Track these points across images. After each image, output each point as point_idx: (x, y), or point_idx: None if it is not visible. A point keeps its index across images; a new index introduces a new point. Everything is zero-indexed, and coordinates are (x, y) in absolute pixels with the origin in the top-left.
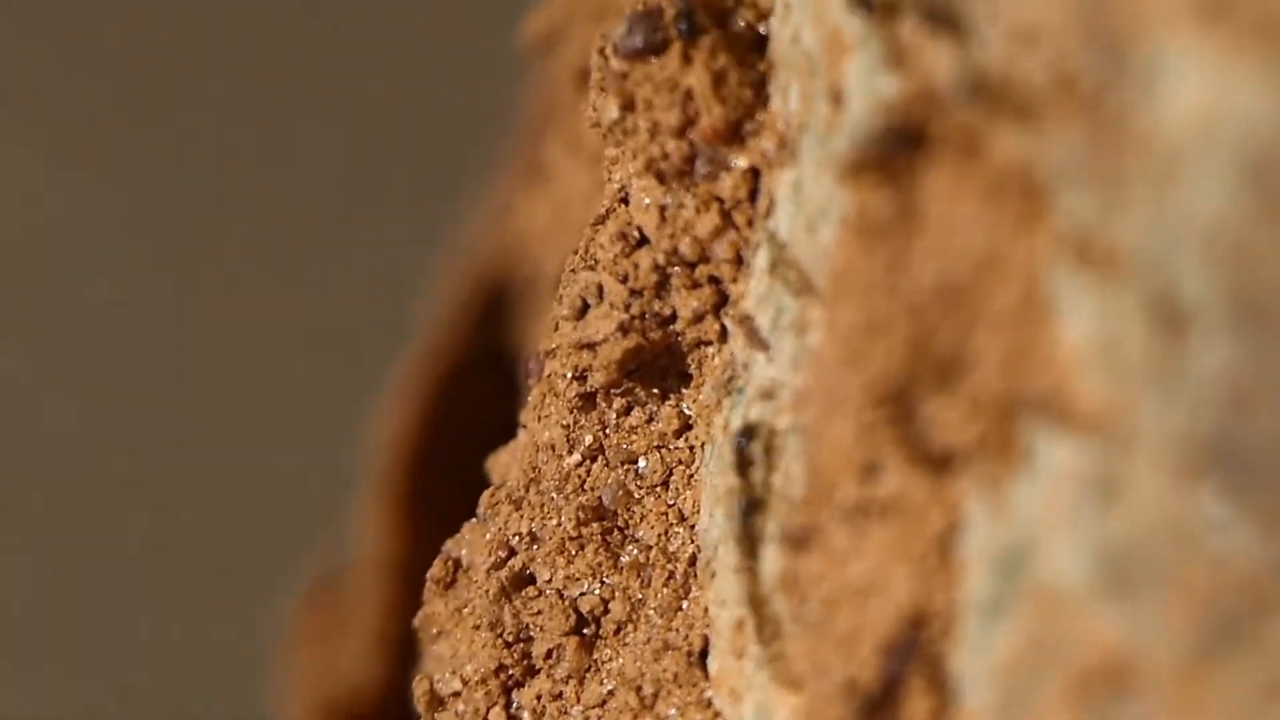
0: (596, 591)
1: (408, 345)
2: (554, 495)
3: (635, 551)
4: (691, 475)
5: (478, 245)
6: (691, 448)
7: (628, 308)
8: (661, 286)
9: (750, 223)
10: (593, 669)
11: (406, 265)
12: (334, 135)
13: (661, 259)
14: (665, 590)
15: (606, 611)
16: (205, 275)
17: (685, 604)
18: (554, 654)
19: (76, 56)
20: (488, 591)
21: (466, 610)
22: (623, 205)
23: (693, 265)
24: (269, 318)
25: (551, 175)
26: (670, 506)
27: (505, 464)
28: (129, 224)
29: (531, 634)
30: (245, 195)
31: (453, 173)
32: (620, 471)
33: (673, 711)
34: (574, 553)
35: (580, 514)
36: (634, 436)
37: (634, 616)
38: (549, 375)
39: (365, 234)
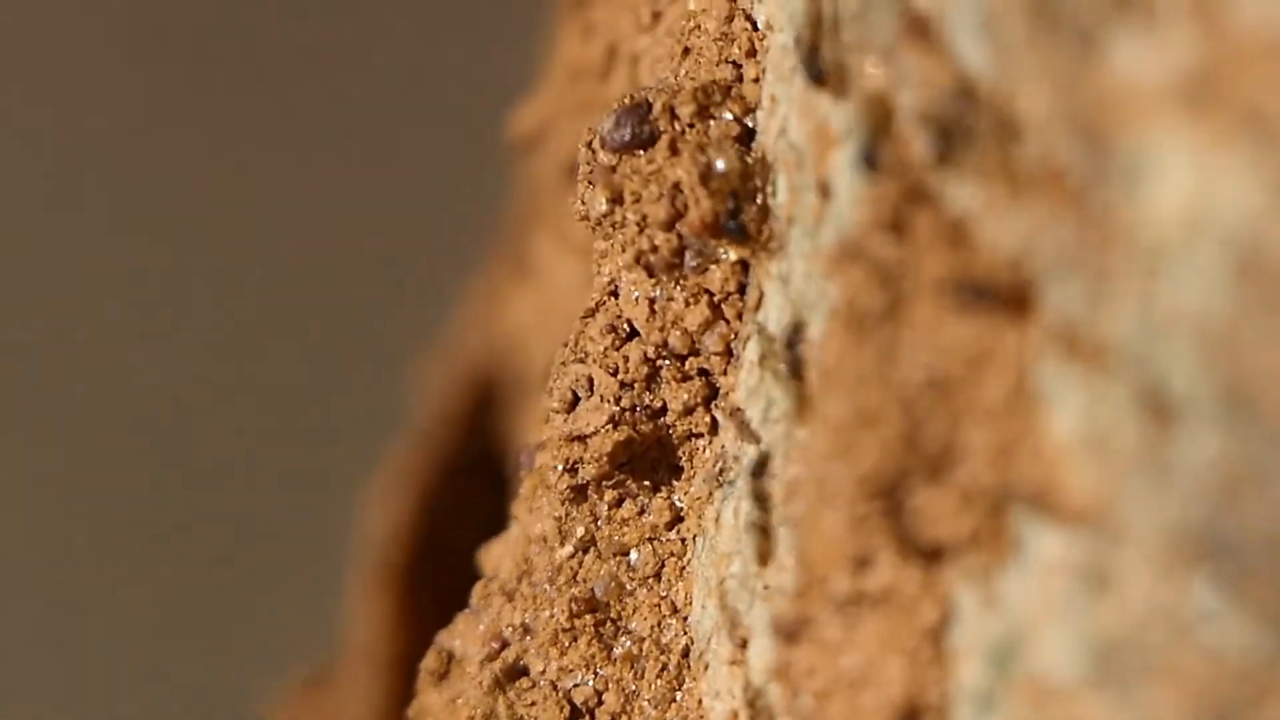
0: (590, 683)
1: (400, 438)
2: (546, 587)
3: (628, 643)
4: (683, 567)
5: (468, 339)
6: (683, 540)
7: (618, 400)
8: (652, 379)
9: (739, 315)
10: None
11: (397, 358)
12: (324, 230)
13: (651, 352)
14: (659, 682)
15: (600, 703)
16: (200, 368)
17: (679, 695)
18: None
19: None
20: (481, 683)
21: (460, 701)
22: (612, 298)
23: (683, 358)
24: (262, 410)
25: (540, 269)
26: (663, 598)
27: (497, 556)
28: (121, 335)
29: None
30: (239, 289)
31: (441, 266)
32: (612, 564)
33: None
34: (567, 644)
35: (573, 606)
36: (626, 529)
37: (628, 708)
38: (540, 468)
39: (356, 327)
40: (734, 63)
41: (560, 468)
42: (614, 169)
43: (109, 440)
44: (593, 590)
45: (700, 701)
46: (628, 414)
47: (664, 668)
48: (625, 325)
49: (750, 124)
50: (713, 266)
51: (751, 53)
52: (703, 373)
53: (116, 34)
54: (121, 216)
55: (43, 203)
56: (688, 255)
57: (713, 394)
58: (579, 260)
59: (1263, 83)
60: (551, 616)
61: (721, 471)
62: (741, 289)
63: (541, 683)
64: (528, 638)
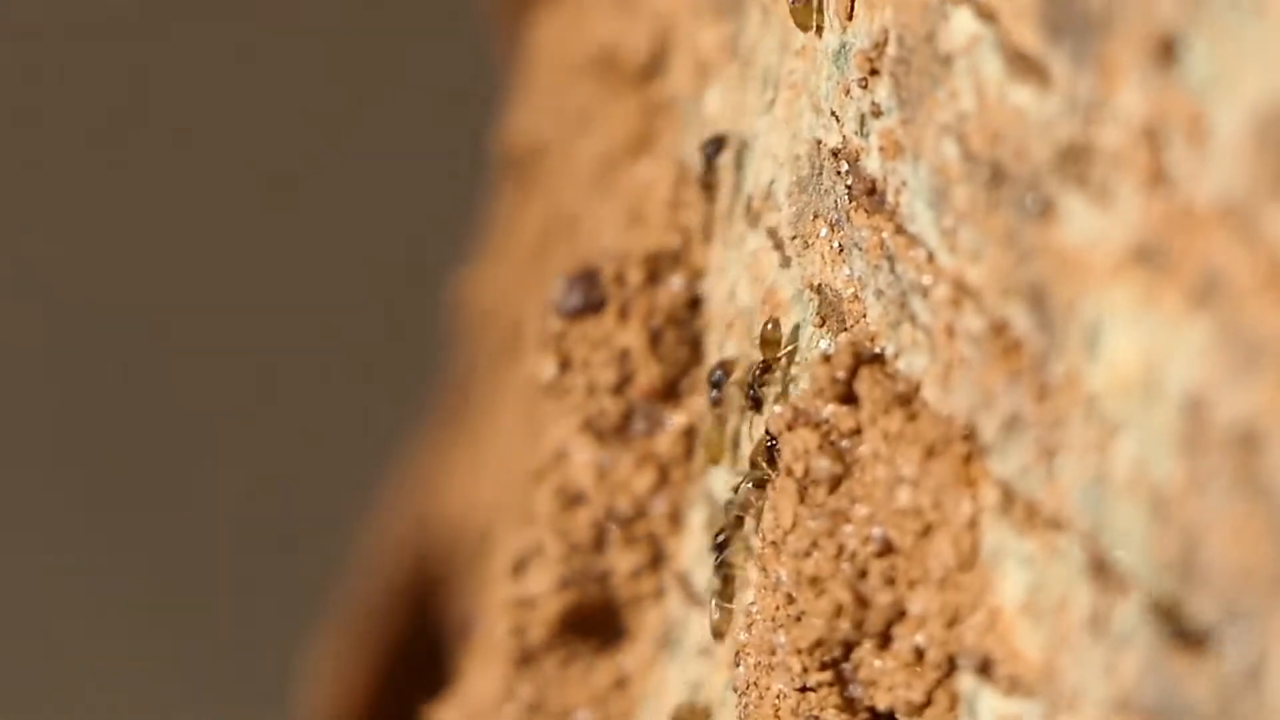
0: None
1: (342, 600)
2: None
3: None
4: None
5: (411, 500)
6: (631, 701)
7: (566, 564)
8: (599, 542)
9: (687, 479)
10: None
11: (339, 519)
12: (264, 395)
13: (600, 515)
14: None
15: None
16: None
17: None
18: None
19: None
20: None
21: None
22: (561, 462)
23: (630, 522)
24: (208, 566)
25: (482, 432)
26: None
27: (445, 718)
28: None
29: None
30: (180, 475)
31: (384, 429)
32: None
33: None
34: None
35: None
36: (573, 691)
37: None
38: (487, 629)
39: (297, 486)
40: (683, 229)
41: (508, 630)
42: (563, 334)
43: None
44: None
45: None
46: (575, 577)
47: None
48: (573, 489)
49: (699, 290)
50: (660, 431)
51: (700, 219)
52: (650, 536)
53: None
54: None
55: None
56: (636, 419)
57: (660, 557)
58: (527, 423)
59: (1217, 249)
60: None
61: (667, 634)
62: (689, 453)
63: None
64: None
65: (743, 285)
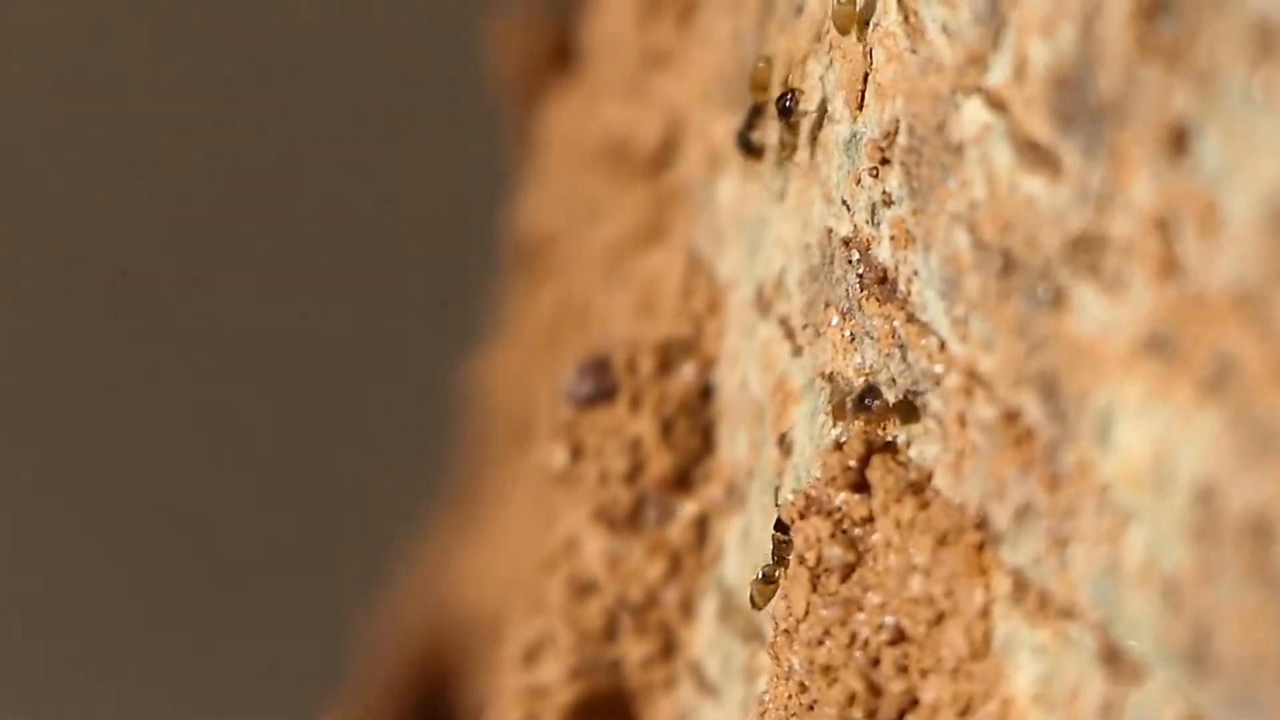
0: None
1: (349, 690)
2: None
3: None
4: None
5: (420, 589)
6: None
7: (577, 652)
8: (611, 632)
9: (699, 568)
10: None
11: (345, 608)
12: (271, 480)
13: (611, 604)
14: None
15: None
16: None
17: None
18: None
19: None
20: None
21: None
22: (572, 551)
23: (642, 611)
24: (201, 667)
25: (497, 521)
26: None
27: None
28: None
29: None
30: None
31: (393, 518)
32: None
33: None
34: None
35: None
36: None
37: None
38: (499, 719)
39: (305, 576)
40: (695, 317)
41: (519, 719)
42: (574, 423)
43: None
44: None
45: None
46: (587, 666)
47: None
48: (585, 577)
49: (711, 379)
50: (672, 520)
51: (712, 307)
52: (662, 625)
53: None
54: None
55: None
56: (647, 509)
57: (671, 647)
58: (538, 512)
59: (1229, 338)
60: None
61: None
62: (701, 542)
63: None
64: None
65: (754, 374)
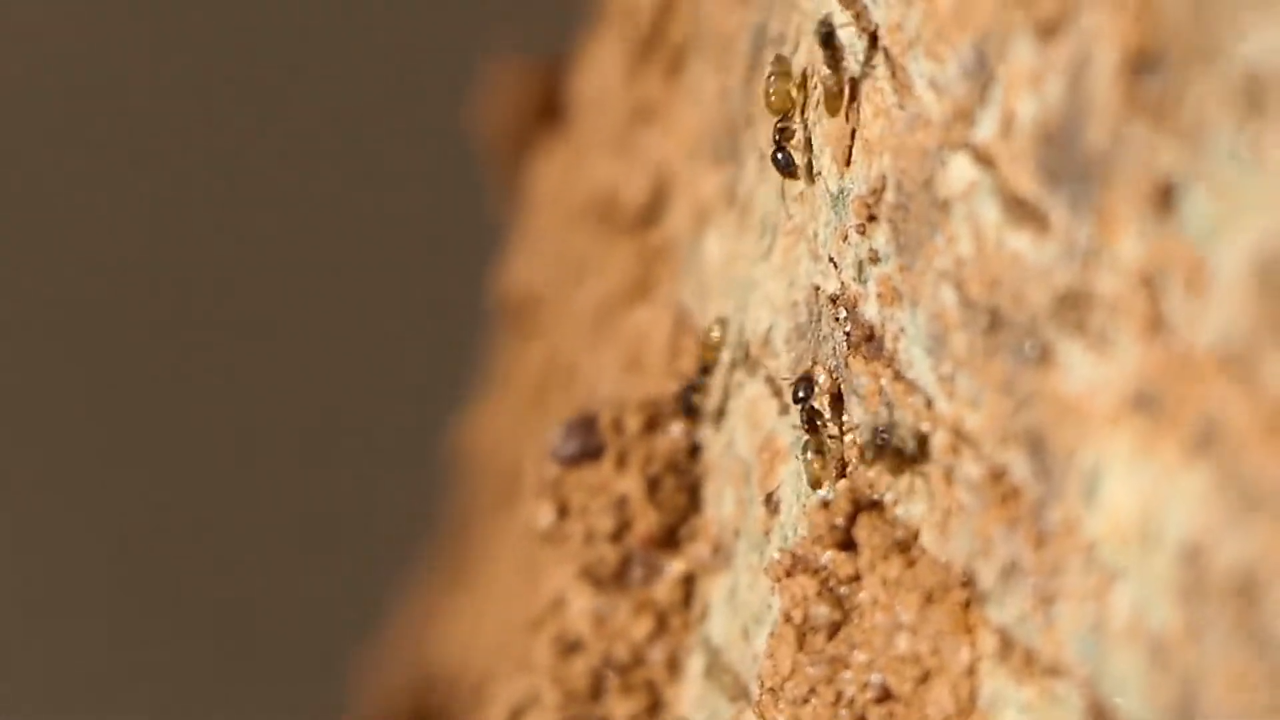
0: None
1: None
2: None
3: None
4: None
5: (404, 649)
6: None
7: (563, 711)
8: (597, 690)
9: (686, 626)
10: None
11: (331, 666)
12: (256, 536)
13: (597, 663)
14: None
15: None
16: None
17: None
18: None
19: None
20: None
21: None
22: (558, 609)
23: (628, 669)
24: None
25: (484, 579)
26: None
27: None
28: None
29: None
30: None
31: (377, 576)
32: None
33: None
34: None
35: None
36: None
37: None
38: None
39: (290, 628)
40: (682, 375)
41: None
42: (561, 481)
43: None
44: None
45: None
46: None
47: None
48: (571, 636)
49: (697, 437)
50: (658, 578)
51: (700, 366)
52: (648, 684)
53: None
54: None
55: None
56: (634, 567)
57: (658, 706)
58: (524, 570)
59: (1216, 396)
60: None
61: None
62: (687, 600)
63: None
64: None
65: (741, 432)
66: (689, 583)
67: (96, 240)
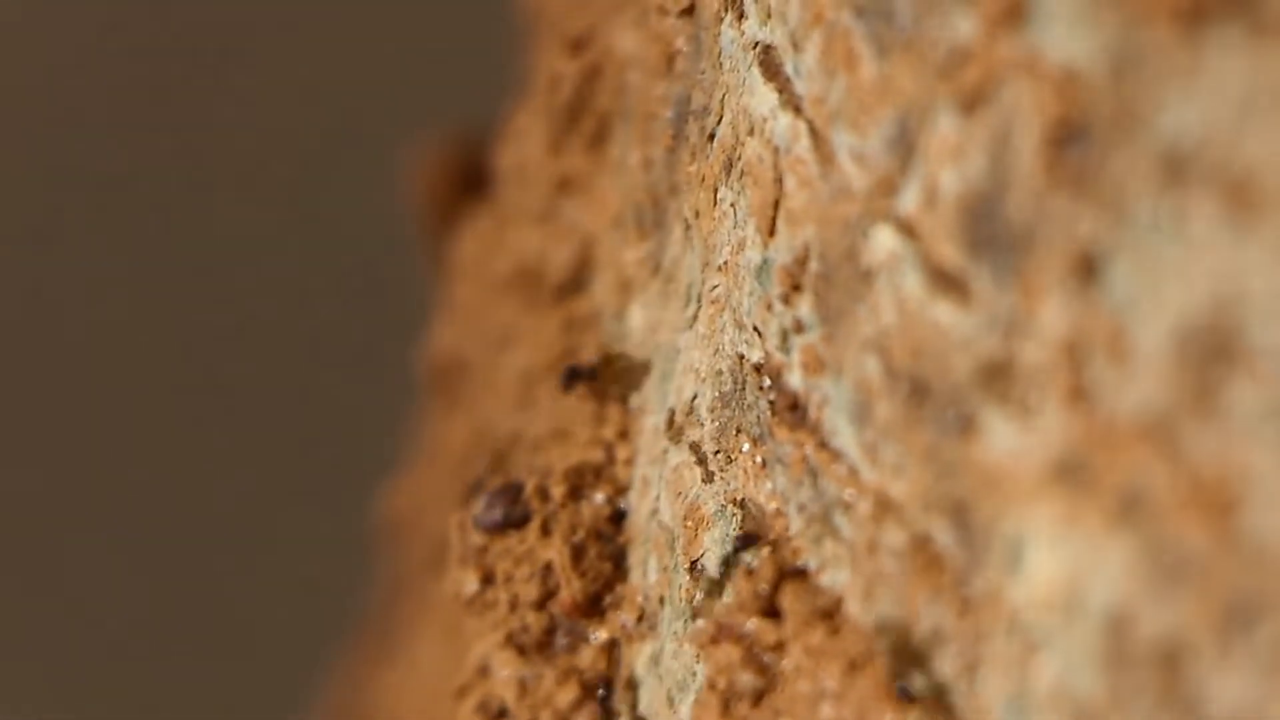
0: None
1: None
2: None
3: None
4: None
5: (336, 715)
6: None
7: None
8: None
9: (611, 696)
10: None
11: None
12: (183, 616)
13: None
14: None
15: None
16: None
17: None
18: None
19: None
20: None
21: None
22: (483, 677)
23: None
24: None
25: (405, 649)
26: None
27: None
28: None
29: None
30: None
31: (305, 648)
32: None
33: None
34: None
35: None
36: None
37: None
38: None
39: (219, 703)
40: (606, 444)
41: None
42: (485, 549)
43: None
44: None
45: None
46: None
47: None
48: (496, 704)
49: (622, 505)
50: (583, 646)
51: (623, 434)
52: None
53: None
54: None
55: None
56: (558, 635)
57: None
58: (448, 639)
59: (1137, 466)
60: None
61: None
62: (611, 668)
63: None
64: None
65: (665, 500)
66: (613, 650)
67: None
